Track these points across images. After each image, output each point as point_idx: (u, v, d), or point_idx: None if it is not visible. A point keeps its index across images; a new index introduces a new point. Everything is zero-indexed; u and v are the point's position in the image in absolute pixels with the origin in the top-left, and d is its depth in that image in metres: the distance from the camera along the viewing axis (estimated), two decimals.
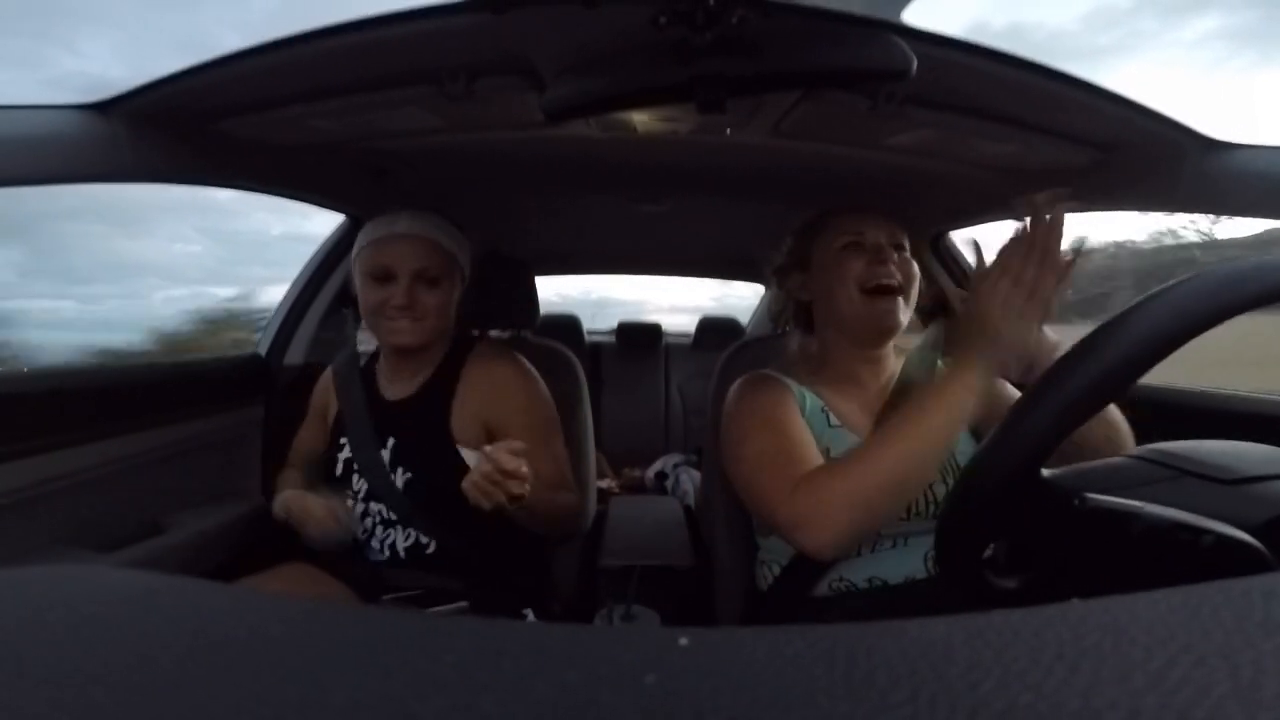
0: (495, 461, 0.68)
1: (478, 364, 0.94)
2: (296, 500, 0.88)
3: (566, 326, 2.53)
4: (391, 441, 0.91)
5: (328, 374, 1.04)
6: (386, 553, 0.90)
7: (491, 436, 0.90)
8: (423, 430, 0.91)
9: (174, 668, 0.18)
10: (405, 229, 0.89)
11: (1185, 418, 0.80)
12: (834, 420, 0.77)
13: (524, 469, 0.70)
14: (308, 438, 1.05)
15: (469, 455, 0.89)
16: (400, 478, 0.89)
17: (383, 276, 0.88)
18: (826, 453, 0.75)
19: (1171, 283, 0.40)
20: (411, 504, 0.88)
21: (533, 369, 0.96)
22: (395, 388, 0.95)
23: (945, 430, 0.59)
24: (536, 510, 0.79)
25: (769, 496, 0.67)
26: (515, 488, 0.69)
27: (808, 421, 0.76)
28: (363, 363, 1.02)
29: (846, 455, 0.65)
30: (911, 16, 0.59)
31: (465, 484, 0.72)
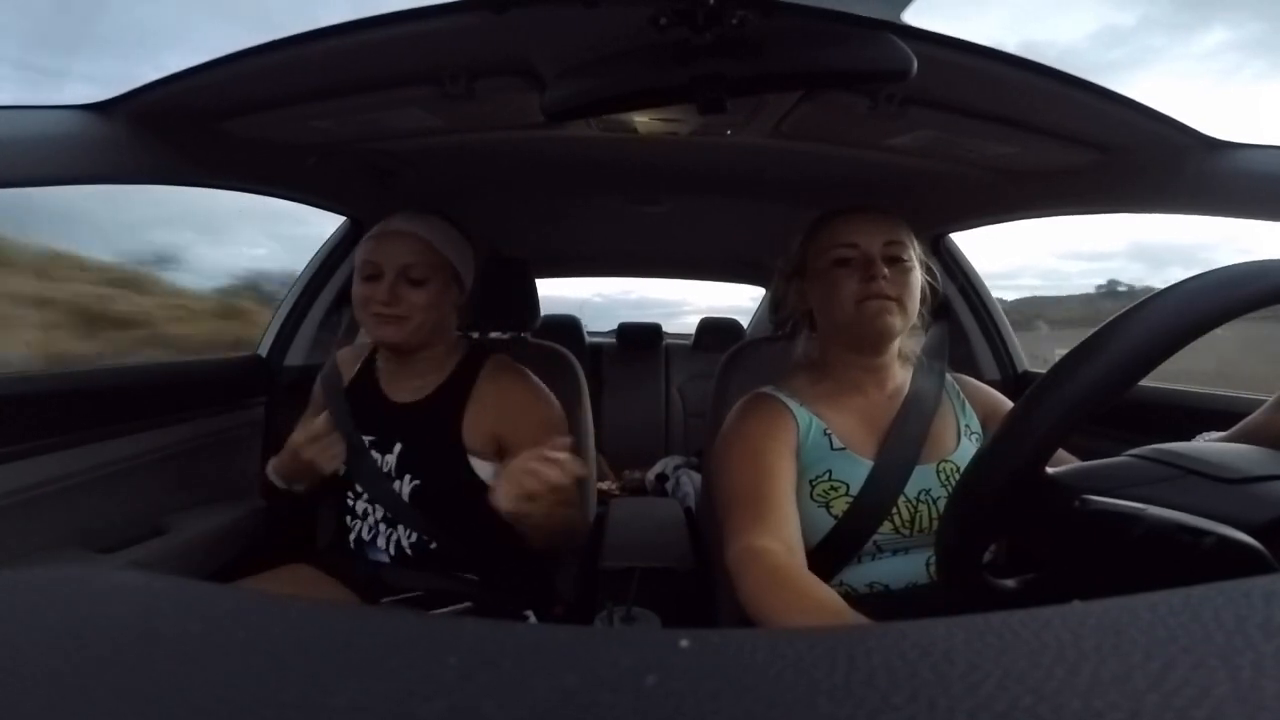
0: (541, 454, 0.69)
1: (491, 378, 0.93)
2: (282, 455, 0.88)
3: (566, 327, 2.53)
4: (399, 446, 0.89)
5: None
6: (392, 550, 0.89)
7: (502, 450, 0.89)
8: (433, 436, 0.89)
9: (174, 669, 0.18)
10: (397, 226, 0.89)
11: (1185, 418, 0.80)
12: (837, 443, 0.77)
13: (565, 461, 0.69)
14: None
15: (482, 467, 0.89)
16: (407, 484, 0.88)
17: (370, 274, 0.87)
18: (829, 474, 0.75)
19: (1175, 282, 0.40)
20: (415, 509, 0.88)
21: (543, 385, 0.95)
22: (402, 391, 0.94)
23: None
24: (545, 524, 0.77)
25: (728, 536, 0.71)
26: (554, 475, 0.68)
27: (809, 449, 0.76)
28: (359, 365, 1.00)
29: (784, 589, 0.62)
30: (911, 17, 0.59)
31: (507, 471, 0.71)
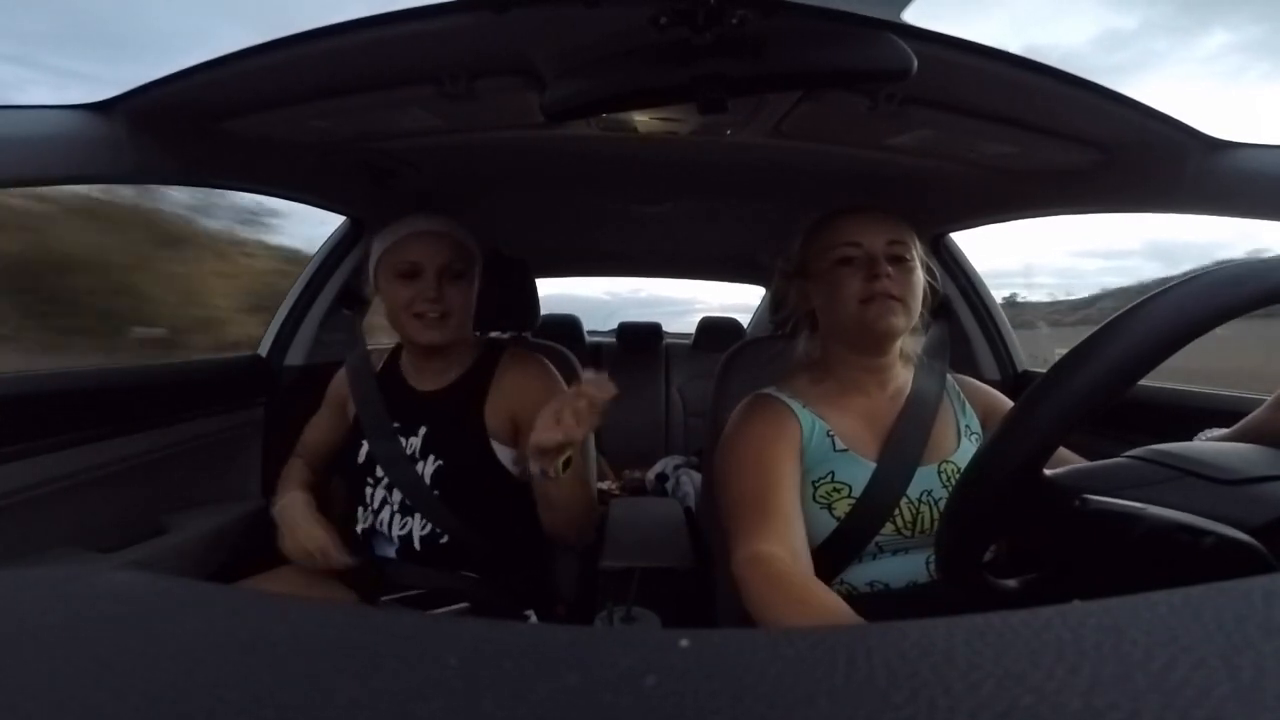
0: (585, 389, 0.71)
1: (511, 366, 0.97)
2: (289, 513, 0.89)
3: (566, 327, 2.53)
4: (424, 430, 0.93)
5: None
6: (399, 542, 0.91)
7: (521, 433, 0.92)
8: (457, 419, 0.93)
9: (175, 669, 0.18)
10: (427, 226, 0.92)
11: (1185, 417, 0.80)
12: (839, 444, 0.76)
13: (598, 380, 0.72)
14: (320, 429, 1.05)
15: (501, 451, 0.93)
16: (430, 465, 0.91)
17: (410, 273, 0.90)
18: (831, 475, 0.74)
19: (1174, 283, 0.40)
20: (435, 492, 0.90)
21: (558, 374, 0.98)
22: (426, 381, 0.98)
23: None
24: (573, 493, 0.82)
25: (733, 542, 0.70)
26: (590, 391, 0.71)
27: (812, 450, 0.76)
28: (384, 359, 1.03)
29: (790, 596, 0.63)
30: (911, 17, 0.59)
31: (552, 405, 0.72)
